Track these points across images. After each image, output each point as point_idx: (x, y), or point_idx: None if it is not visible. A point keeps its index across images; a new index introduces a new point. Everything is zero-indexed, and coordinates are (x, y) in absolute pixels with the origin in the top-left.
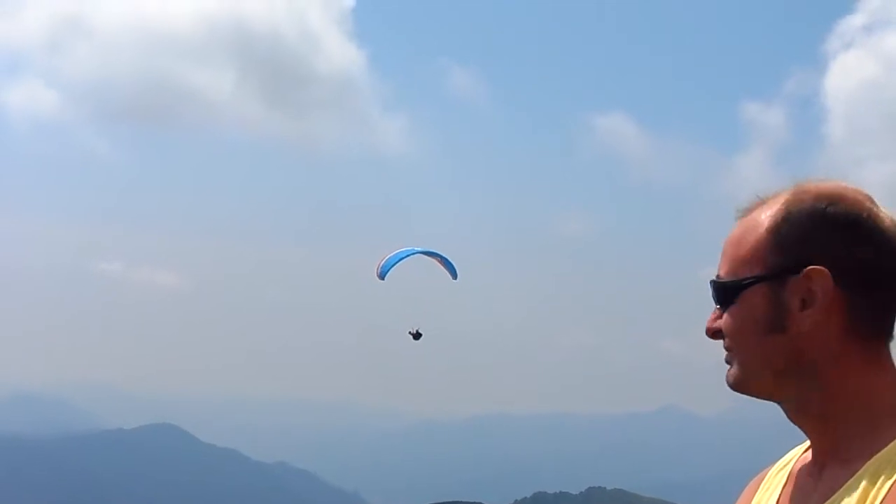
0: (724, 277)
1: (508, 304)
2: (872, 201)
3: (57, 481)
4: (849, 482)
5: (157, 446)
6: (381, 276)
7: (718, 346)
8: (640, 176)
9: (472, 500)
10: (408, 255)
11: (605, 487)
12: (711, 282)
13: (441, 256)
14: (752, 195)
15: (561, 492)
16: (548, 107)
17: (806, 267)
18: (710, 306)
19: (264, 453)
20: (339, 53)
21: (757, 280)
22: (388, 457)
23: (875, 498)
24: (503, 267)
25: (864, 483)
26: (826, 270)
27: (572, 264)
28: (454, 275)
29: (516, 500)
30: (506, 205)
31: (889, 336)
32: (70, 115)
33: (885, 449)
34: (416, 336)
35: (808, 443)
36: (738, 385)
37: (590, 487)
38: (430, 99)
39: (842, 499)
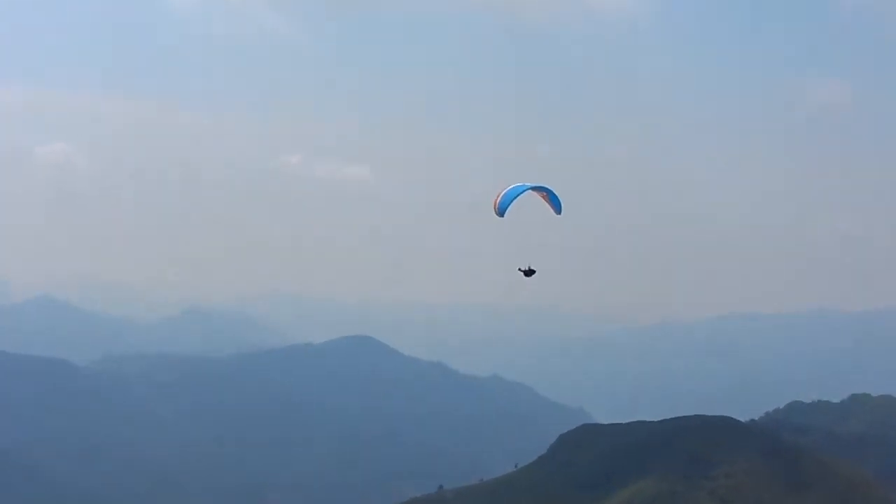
0: None
1: (751, 191)
2: None
3: (238, 401)
4: None
5: (354, 361)
6: (501, 214)
7: None
8: None
9: (712, 415)
10: (521, 192)
11: (870, 394)
12: None
13: (548, 191)
14: None
15: (819, 400)
16: None
17: None
18: None
19: (474, 366)
20: None
21: None
22: (612, 367)
23: None
24: (740, 148)
25: None
26: None
27: (826, 140)
28: (558, 209)
29: (767, 412)
30: (746, 71)
31: None
32: None
33: None
34: (528, 273)
35: None
36: None
37: (853, 395)
38: None
39: None
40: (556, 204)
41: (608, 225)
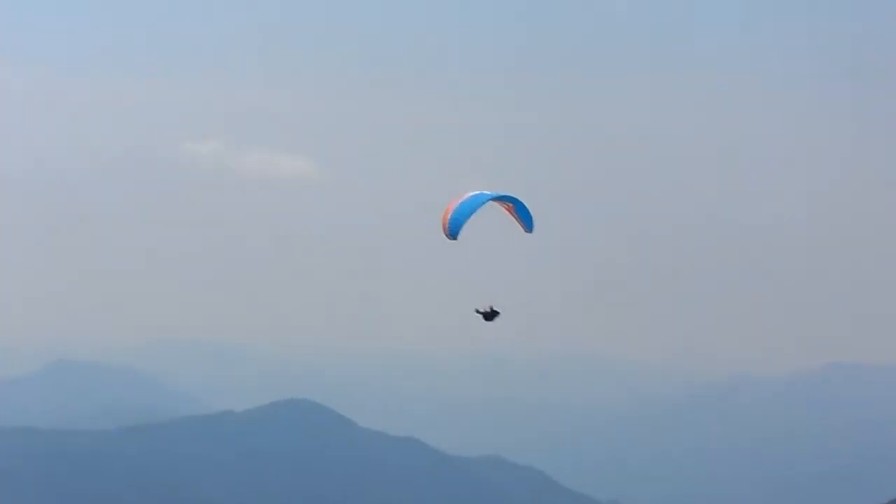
0: None
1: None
2: None
3: (125, 499)
4: None
5: (292, 437)
6: (452, 235)
7: None
8: None
9: None
10: (480, 205)
11: None
12: None
13: (514, 201)
14: None
15: None
16: None
17: None
18: None
19: (463, 442)
20: None
21: None
22: (667, 439)
23: None
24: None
25: None
26: None
27: None
28: (529, 226)
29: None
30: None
31: None
32: None
33: None
34: (489, 315)
35: None
36: None
37: None
38: None
39: None
40: (525, 219)
41: (627, 231)
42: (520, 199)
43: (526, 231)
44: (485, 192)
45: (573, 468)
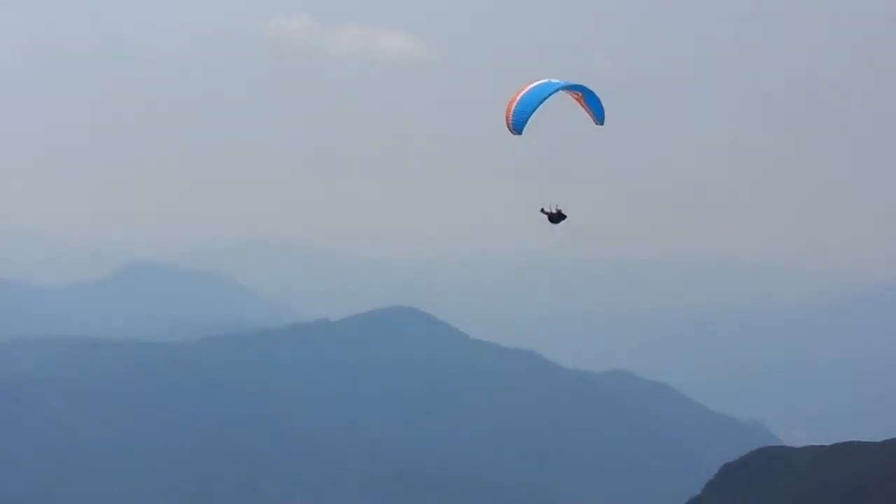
0: None
1: None
2: None
3: (211, 412)
4: None
5: (393, 349)
6: (517, 129)
7: None
8: None
9: None
10: (547, 96)
11: None
12: None
13: (584, 90)
14: None
15: None
16: None
17: None
18: None
19: (580, 356)
20: None
21: None
22: (806, 357)
23: None
24: None
25: None
26: None
27: None
28: (600, 118)
29: None
30: None
31: None
32: None
33: None
34: (555, 217)
35: None
36: None
37: None
38: None
39: None
40: (596, 110)
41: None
42: (590, 87)
43: (596, 123)
44: (552, 80)
45: (708, 385)
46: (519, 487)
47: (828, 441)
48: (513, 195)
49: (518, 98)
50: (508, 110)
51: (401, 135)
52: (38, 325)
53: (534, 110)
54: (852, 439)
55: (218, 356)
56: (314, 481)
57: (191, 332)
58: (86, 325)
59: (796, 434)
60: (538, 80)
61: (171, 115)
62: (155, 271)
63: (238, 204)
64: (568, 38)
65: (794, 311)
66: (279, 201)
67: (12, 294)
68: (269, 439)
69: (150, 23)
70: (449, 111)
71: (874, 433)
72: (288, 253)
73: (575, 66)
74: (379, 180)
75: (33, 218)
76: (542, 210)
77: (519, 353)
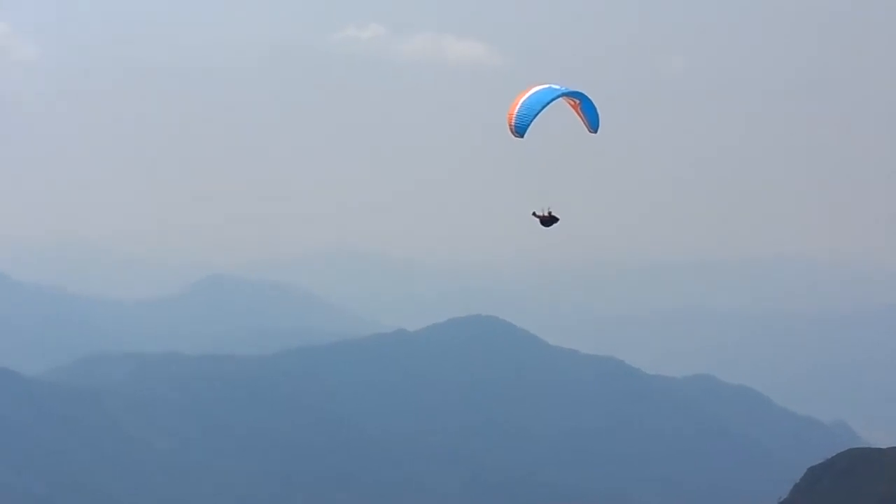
0: None
1: None
2: None
3: (292, 427)
4: None
5: (474, 360)
6: (519, 132)
7: None
8: None
9: None
10: (549, 101)
11: None
12: None
13: (581, 97)
14: None
15: None
16: None
17: None
18: None
19: (664, 362)
20: None
21: None
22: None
23: None
24: None
25: None
26: None
27: None
28: (594, 125)
29: None
30: None
31: None
32: None
33: None
34: (547, 220)
35: None
36: None
37: None
38: None
39: None
40: (591, 117)
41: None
42: (587, 95)
43: (590, 131)
44: (553, 86)
45: (790, 387)
46: (600, 494)
47: None
48: (588, 201)
49: (521, 101)
50: (511, 114)
51: (473, 142)
52: (114, 340)
53: (537, 114)
54: None
55: (296, 368)
56: (392, 492)
57: (268, 345)
58: (162, 339)
59: (881, 435)
60: (540, 85)
61: (243, 125)
62: (230, 284)
63: (312, 214)
64: (640, 41)
65: (876, 310)
66: (353, 210)
67: (88, 309)
68: (346, 451)
69: (222, 34)
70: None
71: None
72: (364, 263)
73: (646, 70)
74: (453, 187)
75: (107, 231)
76: (534, 213)
77: (599, 359)
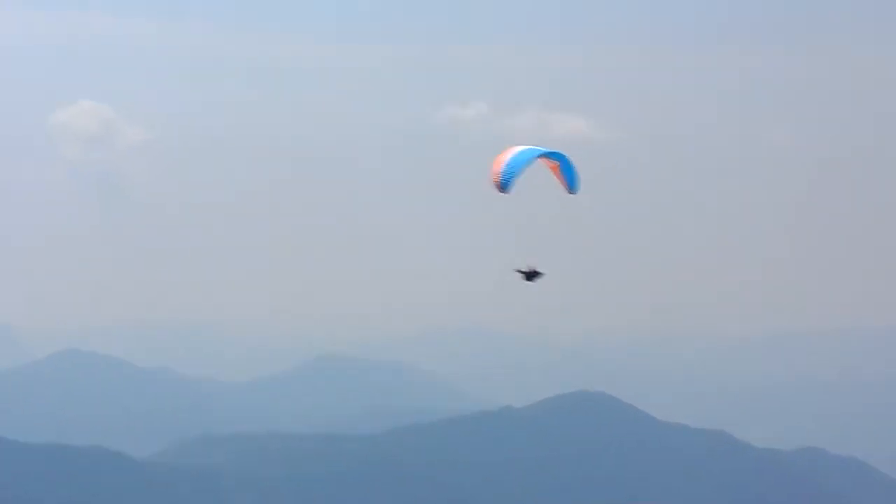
0: None
1: None
2: None
3: None
4: None
5: (582, 436)
6: (503, 188)
7: None
8: None
9: None
10: (531, 159)
11: None
12: None
13: (560, 158)
14: None
15: None
16: None
17: None
18: None
19: (774, 434)
20: None
21: None
22: None
23: None
24: None
25: None
26: None
27: None
28: (572, 185)
29: None
30: None
31: None
32: None
33: None
34: (530, 276)
35: None
36: None
37: None
38: None
39: None
40: (569, 178)
41: None
42: (567, 156)
43: (568, 191)
44: (535, 147)
45: None
46: None
47: None
48: (697, 273)
49: (504, 160)
50: (495, 172)
51: (575, 215)
52: (224, 421)
53: (520, 171)
54: None
55: (405, 447)
56: None
57: (378, 424)
58: (272, 419)
59: None
60: (522, 146)
61: (348, 204)
62: (339, 363)
63: (417, 292)
64: (743, 115)
65: None
66: (457, 288)
67: (198, 391)
68: None
69: (327, 112)
70: (627, 190)
71: None
72: (469, 339)
73: (748, 144)
74: (559, 262)
75: (215, 312)
76: (518, 270)
77: (708, 433)
